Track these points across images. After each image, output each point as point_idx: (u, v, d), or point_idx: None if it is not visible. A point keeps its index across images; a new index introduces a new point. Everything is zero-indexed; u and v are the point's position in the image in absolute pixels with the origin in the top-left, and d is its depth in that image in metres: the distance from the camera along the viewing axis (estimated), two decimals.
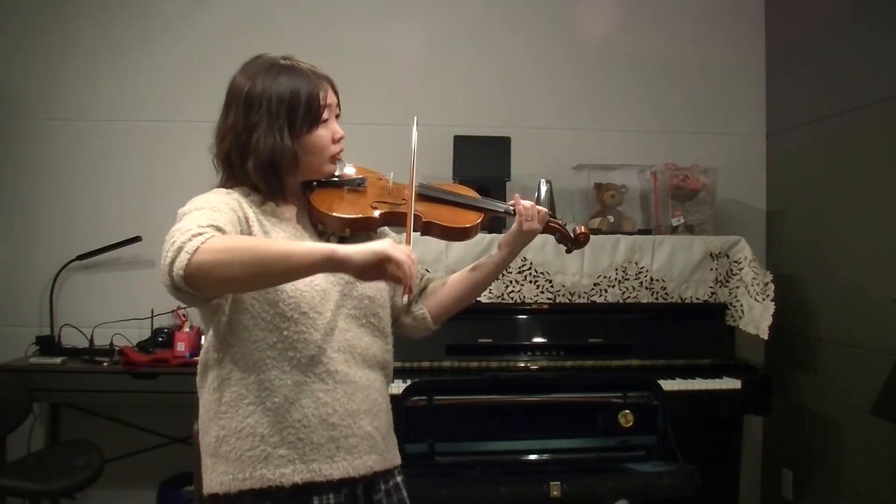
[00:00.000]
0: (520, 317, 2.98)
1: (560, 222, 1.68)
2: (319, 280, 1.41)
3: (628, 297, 3.00)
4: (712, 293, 3.03)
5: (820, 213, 3.15)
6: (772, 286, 2.94)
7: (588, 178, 3.24)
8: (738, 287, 3.01)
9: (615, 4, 3.53)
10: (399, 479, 1.53)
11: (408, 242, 1.40)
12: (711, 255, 3.03)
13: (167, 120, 3.35)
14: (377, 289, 1.49)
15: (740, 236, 3.08)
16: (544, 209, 1.61)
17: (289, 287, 1.37)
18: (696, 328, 3.03)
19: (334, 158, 1.49)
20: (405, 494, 1.52)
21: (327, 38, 3.36)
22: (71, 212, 3.36)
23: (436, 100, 3.38)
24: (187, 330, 3.12)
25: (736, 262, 3.04)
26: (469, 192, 1.65)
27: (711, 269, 3.03)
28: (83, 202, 3.36)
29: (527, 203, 1.59)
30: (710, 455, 2.91)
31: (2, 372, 2.93)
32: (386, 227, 1.60)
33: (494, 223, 2.76)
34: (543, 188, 3.02)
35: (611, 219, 3.20)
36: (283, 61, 1.46)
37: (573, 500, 2.39)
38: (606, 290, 3.00)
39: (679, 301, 3.02)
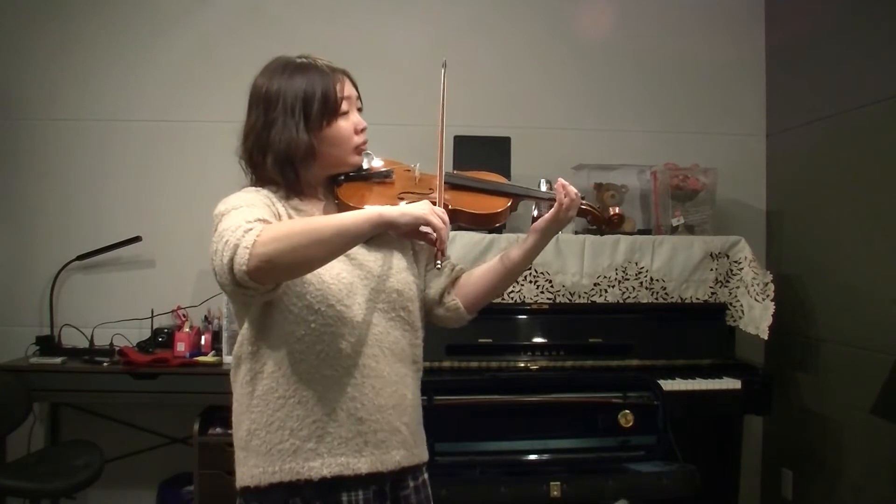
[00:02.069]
0: (520, 317, 2.98)
1: (593, 205, 1.65)
2: (345, 274, 1.42)
3: (628, 297, 3.00)
4: (712, 293, 3.03)
5: (820, 213, 3.15)
6: (772, 286, 2.94)
7: (588, 178, 3.24)
8: (738, 287, 3.01)
9: (615, 4, 3.53)
10: (426, 475, 1.54)
11: (440, 204, 1.46)
12: (711, 255, 3.03)
13: (167, 119, 3.33)
14: (406, 282, 1.49)
15: (740, 236, 3.08)
16: (579, 197, 1.56)
17: (315, 280, 1.38)
18: (696, 328, 3.03)
19: (359, 149, 1.51)
20: (430, 492, 1.53)
21: (327, 38, 3.35)
22: (71, 212, 3.36)
23: (436, 99, 3.37)
24: (187, 330, 3.11)
25: (736, 262, 3.04)
26: (497, 178, 1.64)
27: (711, 269, 3.03)
28: (83, 202, 3.36)
29: (573, 191, 1.54)
30: (710, 455, 2.91)
31: (2, 372, 2.93)
32: None
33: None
34: (543, 188, 3.01)
35: None
36: (298, 60, 1.49)
37: (573, 500, 2.40)
38: (606, 290, 3.00)
39: (679, 301, 3.01)
